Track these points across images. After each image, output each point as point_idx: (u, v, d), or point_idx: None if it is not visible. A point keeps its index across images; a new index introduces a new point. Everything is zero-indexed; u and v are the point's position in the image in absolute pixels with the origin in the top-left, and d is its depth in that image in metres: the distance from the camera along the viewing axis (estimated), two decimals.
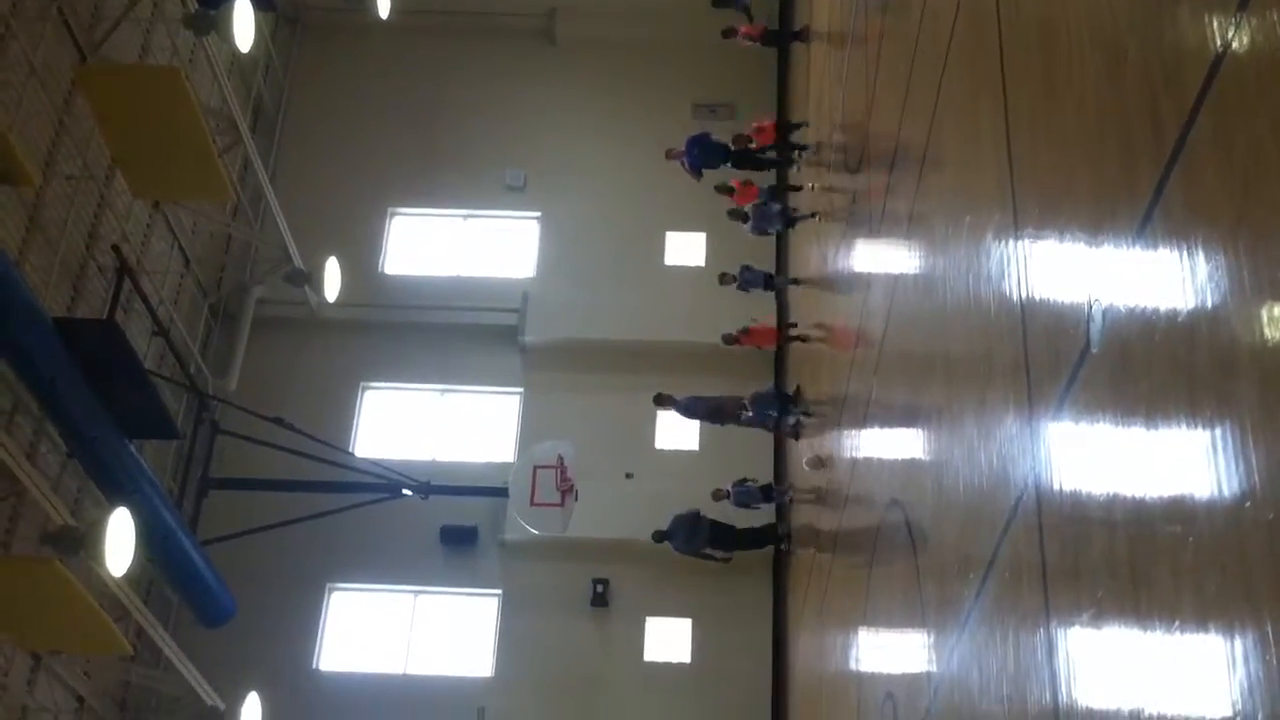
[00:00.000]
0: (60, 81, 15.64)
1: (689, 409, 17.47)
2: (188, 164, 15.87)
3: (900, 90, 9.51)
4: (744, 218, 17.43)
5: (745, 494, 17.28)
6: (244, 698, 16.85)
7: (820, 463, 11.11)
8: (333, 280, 19.96)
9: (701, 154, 17.94)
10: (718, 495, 17.08)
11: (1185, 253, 3.86)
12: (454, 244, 22.17)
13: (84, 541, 13.26)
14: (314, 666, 19.09)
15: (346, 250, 20.60)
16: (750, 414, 16.80)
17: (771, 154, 18.67)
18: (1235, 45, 3.52)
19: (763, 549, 18.07)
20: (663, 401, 17.42)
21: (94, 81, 14.93)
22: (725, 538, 17.22)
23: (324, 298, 20.00)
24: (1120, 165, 4.47)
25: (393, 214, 22.29)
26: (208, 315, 20.50)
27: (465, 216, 22.39)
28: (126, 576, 14.08)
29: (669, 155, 18.45)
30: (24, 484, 13.05)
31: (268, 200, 19.40)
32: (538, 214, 22.14)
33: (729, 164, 18.11)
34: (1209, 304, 3.67)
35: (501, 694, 18.72)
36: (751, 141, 18.24)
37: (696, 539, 17.03)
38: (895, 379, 9.42)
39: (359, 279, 20.75)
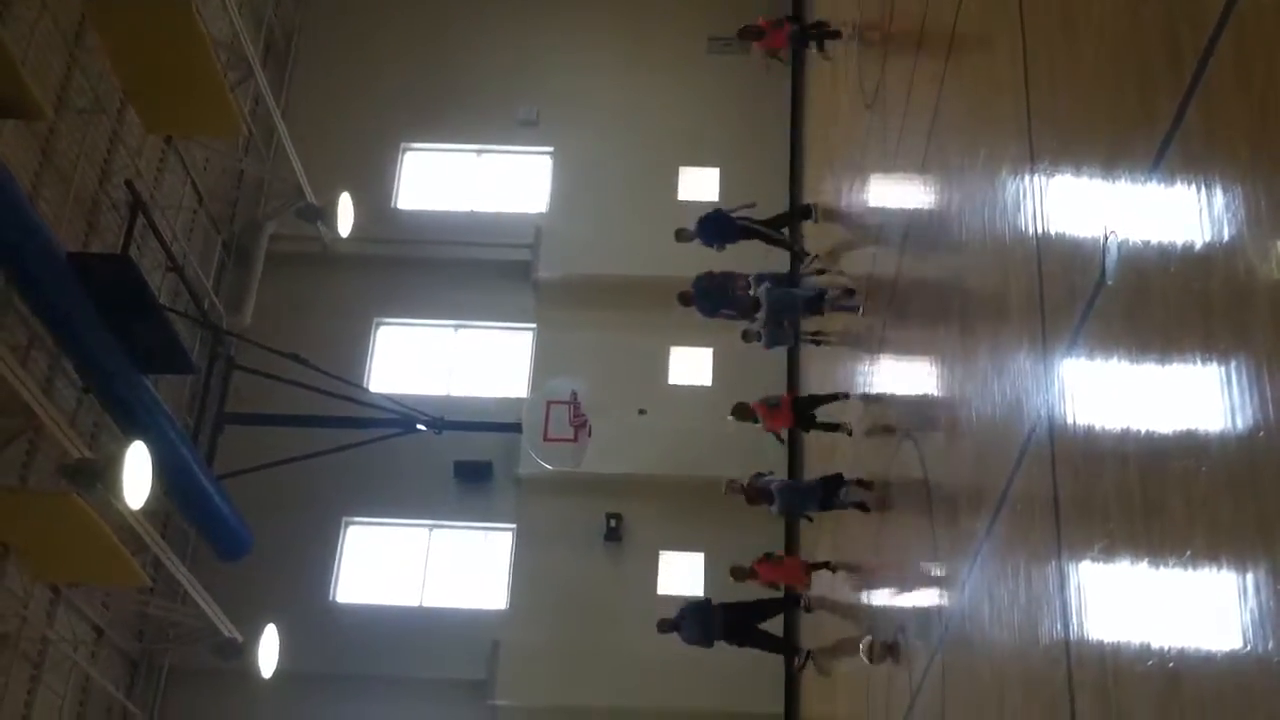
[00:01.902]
0: (71, 14, 15.55)
1: (705, 297, 15.54)
2: (199, 98, 15.81)
3: (917, 21, 9.42)
4: (753, 329, 15.18)
5: (761, 491, 14.50)
6: (262, 629, 17.03)
7: (888, 651, 9.46)
8: (345, 216, 19.92)
9: (716, 230, 16.21)
10: (732, 488, 14.72)
11: (1202, 184, 3.83)
12: (467, 179, 22.08)
13: (101, 475, 13.35)
14: (330, 599, 19.27)
15: (359, 186, 20.53)
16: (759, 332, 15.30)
17: (784, 231, 17.00)
18: None
19: (778, 653, 16.68)
20: (686, 299, 15.68)
21: (104, 14, 14.84)
22: (740, 629, 15.30)
23: (337, 233, 19.97)
24: (1138, 96, 4.43)
25: (405, 149, 22.19)
26: (221, 251, 20.49)
27: (478, 152, 22.29)
28: (144, 510, 14.18)
29: (679, 237, 16.41)
30: (41, 418, 13.12)
31: (280, 135, 19.33)
32: (550, 149, 22.02)
33: (743, 237, 16.32)
34: (1225, 235, 3.66)
35: (516, 627, 18.88)
36: (768, 37, 16.42)
37: (710, 631, 15.05)
38: (910, 313, 9.40)
39: (372, 214, 20.69)
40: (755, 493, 14.35)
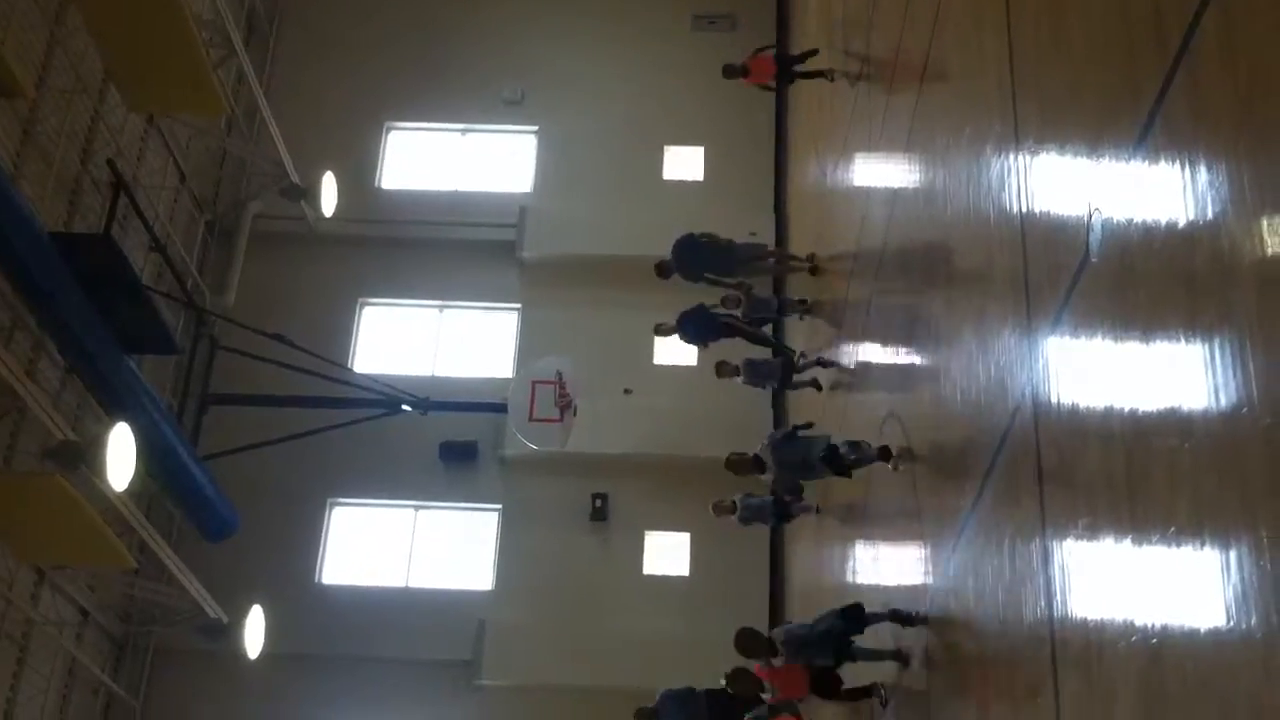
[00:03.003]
0: None
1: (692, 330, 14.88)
2: (181, 77, 15.70)
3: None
4: (729, 366, 14.92)
5: (753, 510, 14.18)
6: (247, 611, 16.99)
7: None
8: (329, 195, 19.81)
9: (694, 329, 15.16)
10: (720, 509, 14.03)
11: (1186, 160, 3.82)
12: (451, 159, 21.98)
13: (85, 456, 13.29)
14: (316, 580, 19.22)
15: (343, 165, 20.42)
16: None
17: (769, 328, 16.10)
18: None
19: None
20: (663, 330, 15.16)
21: None
22: (727, 716, 13.70)
23: (321, 213, 19.86)
24: (1122, 72, 4.42)
25: (389, 128, 22.07)
26: (204, 231, 20.37)
27: (462, 131, 22.18)
28: (128, 491, 14.12)
29: (659, 330, 15.58)
30: (24, 399, 13.06)
31: (262, 114, 19.22)
32: (535, 128, 21.93)
33: (726, 335, 15.24)
34: (1209, 212, 3.65)
35: (502, 607, 18.87)
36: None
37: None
38: (894, 293, 9.40)
39: (356, 194, 20.59)
40: (749, 514, 13.72)
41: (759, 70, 15.40)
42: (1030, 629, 5.34)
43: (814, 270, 14.86)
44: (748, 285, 15.27)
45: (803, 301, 15.10)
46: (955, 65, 7.47)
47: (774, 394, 15.83)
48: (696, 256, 14.87)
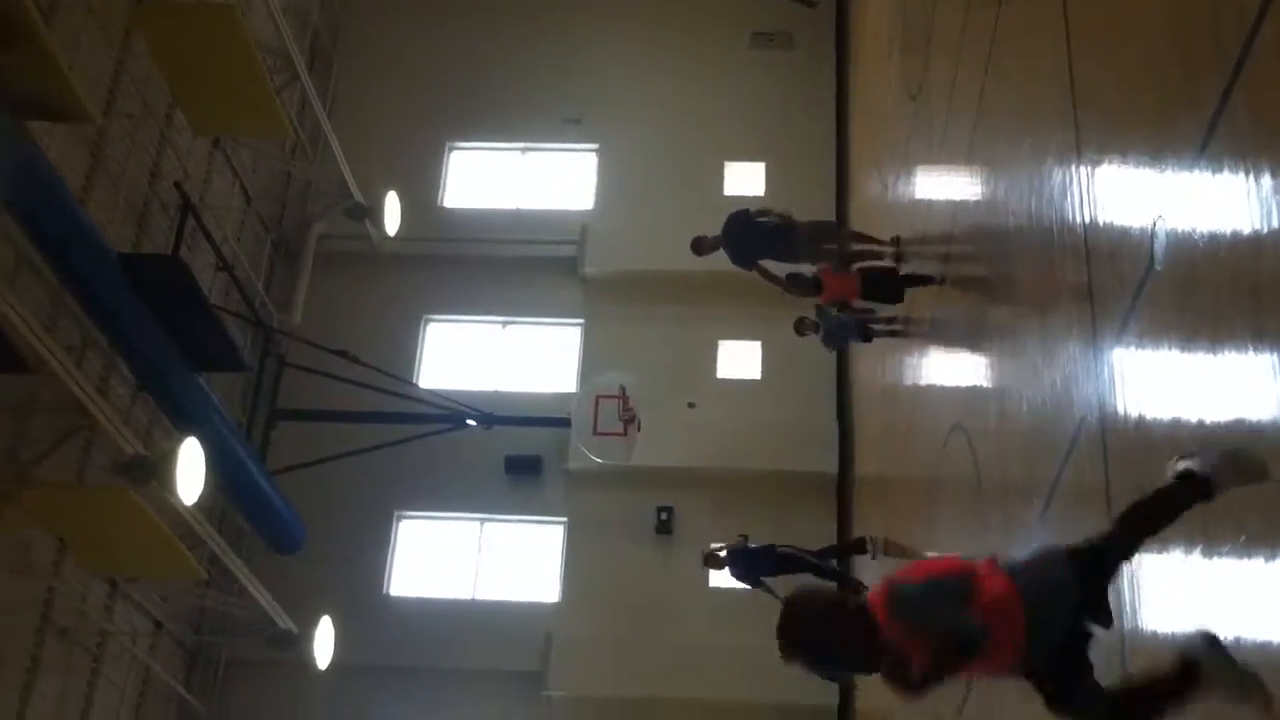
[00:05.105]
0: (118, 20, 15.72)
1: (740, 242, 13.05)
2: (245, 101, 15.91)
3: (961, 11, 9.37)
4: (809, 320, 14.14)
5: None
6: (317, 622, 17.16)
7: None
8: (393, 214, 20.01)
9: (745, 564, 14.48)
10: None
11: (1250, 166, 3.80)
12: (513, 177, 22.14)
13: (155, 471, 13.48)
14: (385, 592, 19.40)
15: (405, 184, 20.62)
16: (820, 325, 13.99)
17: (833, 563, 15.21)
18: None
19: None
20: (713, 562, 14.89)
21: (150, 20, 14.97)
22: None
23: (384, 232, 20.06)
24: (1183, 79, 4.40)
25: (451, 148, 22.27)
26: (270, 251, 20.65)
27: (523, 150, 22.35)
28: (198, 505, 14.31)
29: (706, 562, 15.28)
30: (95, 417, 13.28)
31: (326, 136, 19.45)
32: (595, 146, 22.04)
33: (784, 572, 14.40)
34: (1274, 219, 3.62)
35: (568, 619, 18.93)
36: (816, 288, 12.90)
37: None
38: (958, 304, 9.36)
39: (419, 213, 20.79)
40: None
41: (836, 288, 12.79)
42: (1101, 645, 5.29)
43: (898, 258, 12.63)
44: (818, 302, 13.56)
45: (891, 319, 13.00)
46: (1014, 75, 7.44)
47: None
48: (751, 237, 12.95)
